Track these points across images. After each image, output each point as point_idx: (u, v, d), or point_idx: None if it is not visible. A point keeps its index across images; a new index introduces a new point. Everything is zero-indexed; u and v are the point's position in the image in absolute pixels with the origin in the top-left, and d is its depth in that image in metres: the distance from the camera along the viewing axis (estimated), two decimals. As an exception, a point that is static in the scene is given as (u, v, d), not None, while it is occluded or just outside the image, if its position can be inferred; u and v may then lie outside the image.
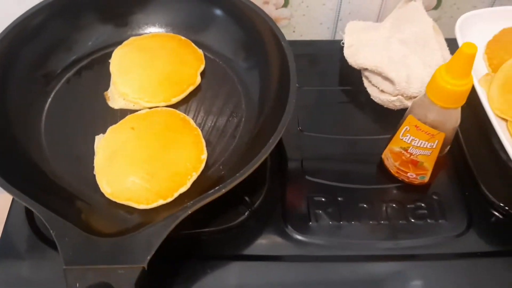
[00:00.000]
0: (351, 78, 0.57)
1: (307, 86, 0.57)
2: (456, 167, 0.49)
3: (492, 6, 0.64)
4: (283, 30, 0.67)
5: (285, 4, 0.63)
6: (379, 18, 0.64)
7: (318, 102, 0.56)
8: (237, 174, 0.38)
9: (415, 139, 0.43)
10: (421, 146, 0.43)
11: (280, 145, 0.51)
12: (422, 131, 0.42)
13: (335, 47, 0.60)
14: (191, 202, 0.37)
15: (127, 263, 0.34)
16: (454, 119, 0.41)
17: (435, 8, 0.64)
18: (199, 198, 0.37)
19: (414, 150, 0.43)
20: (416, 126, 0.42)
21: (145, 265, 0.34)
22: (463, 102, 0.39)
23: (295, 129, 0.52)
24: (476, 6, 0.64)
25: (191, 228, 0.44)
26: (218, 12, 0.51)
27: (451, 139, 0.43)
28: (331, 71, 0.59)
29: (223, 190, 0.37)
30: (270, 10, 0.64)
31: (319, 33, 0.67)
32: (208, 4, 0.50)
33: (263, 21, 0.47)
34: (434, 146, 0.42)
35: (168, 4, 0.51)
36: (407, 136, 0.43)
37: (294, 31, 0.67)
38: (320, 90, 0.57)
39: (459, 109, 0.40)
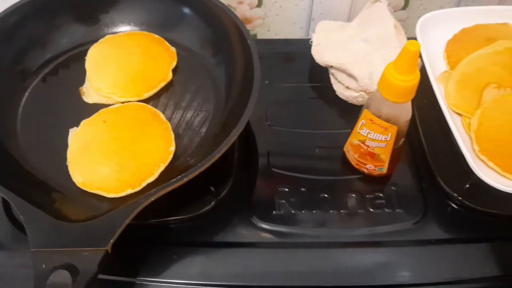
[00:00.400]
0: (321, 75, 0.59)
1: (278, 82, 0.59)
2: (415, 160, 0.52)
3: (458, 6, 0.67)
4: (258, 29, 0.70)
5: (259, 4, 0.65)
6: (349, 18, 0.67)
7: (288, 98, 0.58)
8: (199, 164, 0.40)
9: (371, 132, 0.45)
10: (377, 138, 0.45)
11: (248, 139, 0.53)
12: (376, 124, 0.44)
13: (308, 46, 0.62)
14: (154, 189, 0.39)
15: (91, 246, 0.36)
16: (405, 112, 0.43)
17: (403, 8, 0.67)
18: (162, 186, 0.40)
19: (370, 142, 0.46)
20: (370, 119, 0.44)
21: (108, 248, 0.36)
22: (412, 96, 0.41)
23: (264, 124, 0.55)
24: (442, 7, 0.66)
25: (160, 216, 0.47)
26: (186, 10, 0.53)
27: (404, 132, 0.45)
28: (302, 69, 0.62)
29: (185, 179, 0.40)
30: (245, 10, 0.66)
31: (293, 32, 0.69)
32: (177, 3, 0.53)
33: (229, 19, 0.49)
34: (388, 139, 0.45)
35: (139, 3, 0.54)
36: (363, 129, 0.46)
37: (269, 30, 0.70)
38: (291, 86, 0.60)
39: (410, 103, 0.43)
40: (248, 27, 0.69)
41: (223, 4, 0.50)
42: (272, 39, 0.70)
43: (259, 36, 0.71)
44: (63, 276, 0.34)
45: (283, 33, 0.70)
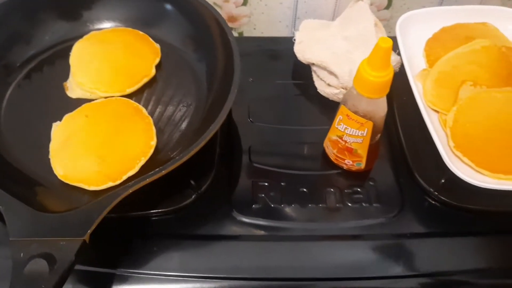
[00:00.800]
0: (304, 72, 0.60)
1: (262, 80, 0.60)
2: (393, 156, 0.53)
3: (441, 5, 0.68)
4: (244, 28, 0.71)
5: (245, 3, 0.66)
6: (334, 17, 0.68)
7: (271, 95, 0.59)
8: (177, 158, 0.41)
9: (348, 127, 0.46)
10: (353, 134, 0.46)
11: (231, 134, 0.54)
12: (353, 120, 0.45)
13: (292, 44, 0.63)
14: (133, 181, 0.40)
15: (68, 236, 0.37)
16: (381, 108, 0.44)
17: (387, 8, 0.68)
18: (140, 178, 0.40)
19: (348, 138, 0.47)
20: (347, 115, 0.45)
21: (85, 238, 0.37)
22: (386, 92, 0.42)
23: (246, 120, 0.56)
24: (425, 6, 0.67)
25: (142, 209, 0.47)
26: (169, 7, 0.54)
27: (381, 128, 0.46)
28: (286, 66, 0.63)
29: (163, 172, 0.41)
30: (230, 8, 0.67)
31: (279, 30, 0.70)
32: (160, 0, 0.54)
33: (210, 15, 0.50)
34: (364, 134, 0.46)
35: (123, 0, 0.55)
36: (341, 125, 0.46)
37: (255, 28, 0.70)
38: (275, 83, 0.60)
39: (385, 98, 0.44)
40: (234, 25, 0.70)
41: (204, 1, 0.51)
42: (257, 37, 0.71)
43: (246, 34, 0.72)
44: (41, 264, 0.35)
45: (269, 31, 0.71)
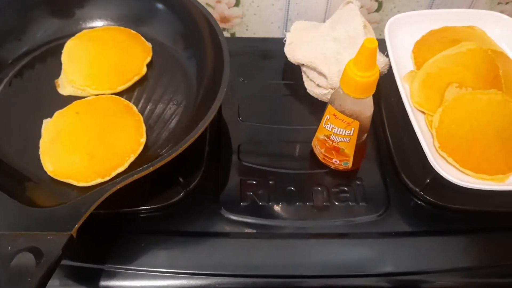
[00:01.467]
0: (294, 73, 0.61)
1: (253, 80, 0.61)
2: (381, 157, 0.53)
3: (430, 8, 0.69)
4: (237, 28, 0.72)
5: (237, 4, 0.67)
6: (325, 19, 0.69)
7: (261, 95, 0.60)
8: (165, 154, 0.42)
9: (335, 127, 0.47)
10: (340, 133, 0.47)
11: (220, 133, 0.55)
12: (340, 119, 0.46)
13: (283, 45, 0.64)
14: (121, 177, 0.41)
15: (56, 231, 0.38)
16: (367, 108, 0.45)
17: (377, 10, 0.69)
18: (128, 174, 0.41)
19: (335, 137, 0.47)
20: (334, 115, 0.46)
21: (72, 232, 0.38)
22: (372, 92, 0.43)
23: (236, 119, 0.56)
24: (415, 9, 0.68)
25: (131, 205, 0.48)
26: (160, 6, 0.55)
27: (367, 127, 0.47)
28: (277, 67, 0.63)
29: (151, 168, 0.41)
30: (223, 8, 0.67)
31: (271, 31, 0.71)
32: (150, -1, 0.55)
33: (200, 13, 0.51)
34: (351, 134, 0.46)
35: (113, -1, 0.55)
36: (328, 124, 0.47)
37: (247, 29, 0.71)
38: (265, 84, 0.61)
39: (371, 98, 0.44)
40: (227, 26, 0.71)
41: (195, 0, 0.52)
42: (249, 38, 0.71)
43: (238, 35, 0.72)
44: (27, 258, 0.36)
45: (261, 32, 0.71)
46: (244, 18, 0.69)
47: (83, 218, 0.38)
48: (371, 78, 0.41)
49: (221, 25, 0.71)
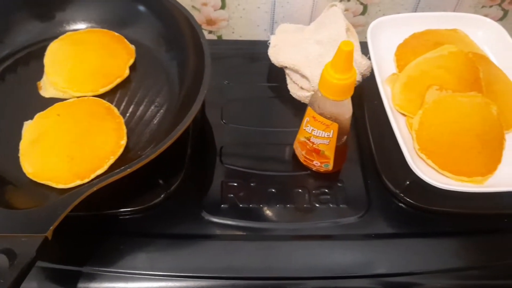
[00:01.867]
0: (278, 75, 0.61)
1: (238, 82, 0.61)
2: (362, 159, 0.54)
3: (415, 12, 0.69)
4: (223, 31, 0.72)
5: (223, 6, 0.67)
6: (310, 22, 0.68)
7: (245, 97, 0.60)
8: (143, 156, 0.42)
9: (315, 129, 0.47)
10: (320, 135, 0.47)
11: (203, 135, 0.55)
12: (319, 121, 0.46)
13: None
14: (98, 179, 0.41)
15: (31, 232, 0.37)
16: (346, 110, 0.45)
17: (362, 13, 0.69)
18: (106, 176, 0.41)
19: (315, 139, 0.48)
20: (313, 117, 0.46)
21: (47, 234, 0.37)
22: (350, 94, 0.43)
23: (219, 122, 0.56)
24: (400, 12, 0.68)
25: (111, 208, 0.48)
26: (141, 8, 0.55)
27: (347, 129, 0.47)
28: (262, 69, 0.63)
29: (128, 170, 0.41)
30: (209, 11, 0.68)
31: (257, 34, 0.71)
32: (132, 1, 0.55)
33: (181, 15, 0.51)
34: (331, 136, 0.46)
35: (95, 1, 0.55)
36: (308, 126, 0.47)
37: (233, 32, 0.71)
38: (250, 86, 0.61)
39: (349, 100, 0.44)
40: (213, 28, 0.71)
41: (176, 2, 0.52)
42: (235, 40, 0.71)
43: (224, 38, 0.72)
44: (1, 259, 0.36)
45: (247, 35, 0.72)
46: (230, 20, 0.69)
47: (59, 220, 0.38)
48: (349, 80, 0.41)
49: (208, 28, 0.71)
